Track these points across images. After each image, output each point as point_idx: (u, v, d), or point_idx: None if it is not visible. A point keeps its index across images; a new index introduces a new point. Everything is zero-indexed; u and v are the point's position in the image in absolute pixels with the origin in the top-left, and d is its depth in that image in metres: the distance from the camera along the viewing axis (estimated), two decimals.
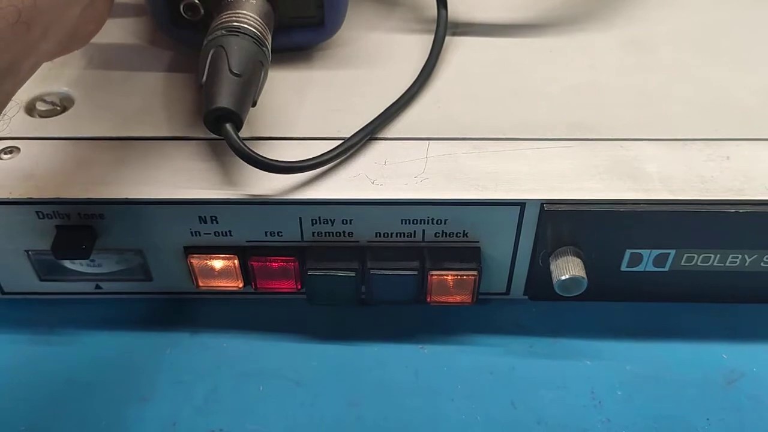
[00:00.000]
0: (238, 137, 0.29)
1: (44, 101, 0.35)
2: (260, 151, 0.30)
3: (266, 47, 0.31)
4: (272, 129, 0.33)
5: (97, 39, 0.32)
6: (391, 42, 0.39)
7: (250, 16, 0.32)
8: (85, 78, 0.36)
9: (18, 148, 0.32)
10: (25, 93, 0.35)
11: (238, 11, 0.32)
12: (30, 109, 0.34)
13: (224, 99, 0.29)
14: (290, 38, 0.36)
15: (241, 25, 0.31)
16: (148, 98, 0.35)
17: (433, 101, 0.35)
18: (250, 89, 0.30)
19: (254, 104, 0.30)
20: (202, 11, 0.34)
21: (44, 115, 0.34)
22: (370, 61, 0.37)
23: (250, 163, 0.29)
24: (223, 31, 0.31)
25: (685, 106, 0.34)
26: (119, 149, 0.32)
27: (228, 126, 0.29)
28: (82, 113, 0.34)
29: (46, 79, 0.36)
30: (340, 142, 0.31)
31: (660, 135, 0.33)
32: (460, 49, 0.38)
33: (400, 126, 0.33)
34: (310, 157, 0.30)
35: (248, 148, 0.29)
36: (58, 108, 0.35)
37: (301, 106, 0.34)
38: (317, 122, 0.34)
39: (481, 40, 0.39)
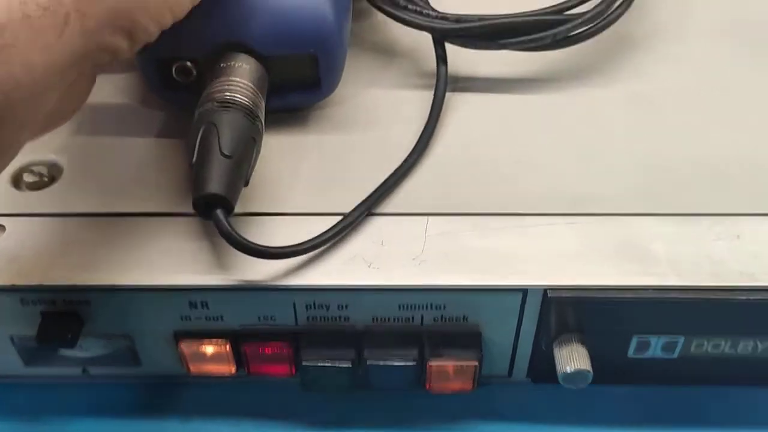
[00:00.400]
0: (229, 224, 0.28)
1: (32, 172, 0.34)
2: (253, 228, 0.29)
3: (260, 120, 0.30)
4: (265, 203, 0.32)
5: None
6: (390, 99, 0.38)
7: (243, 85, 0.31)
8: (74, 144, 0.35)
9: (3, 227, 0.31)
10: (11, 163, 0.34)
11: (230, 79, 0.31)
12: (17, 181, 0.33)
13: (214, 184, 0.27)
14: (285, 100, 0.35)
15: (234, 96, 0.30)
16: (138, 167, 0.34)
17: (432, 170, 0.34)
18: (241, 170, 0.29)
19: (246, 183, 0.29)
20: (195, 73, 0.33)
21: (31, 187, 0.33)
22: (367, 122, 0.36)
23: (241, 251, 0.28)
24: (215, 104, 0.30)
25: (693, 174, 0.33)
26: (107, 227, 0.31)
27: (218, 212, 0.28)
28: (70, 185, 0.33)
29: (34, 146, 0.34)
30: (337, 220, 0.30)
31: (667, 209, 0.32)
32: (460, 108, 0.37)
33: (398, 199, 0.32)
34: (304, 240, 0.29)
35: (239, 236, 0.28)
36: (46, 179, 0.34)
37: (296, 176, 0.33)
38: (312, 195, 0.32)
39: (482, 97, 0.38)
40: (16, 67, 0.22)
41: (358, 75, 0.39)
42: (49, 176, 0.34)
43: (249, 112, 0.30)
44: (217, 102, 0.29)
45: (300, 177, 0.33)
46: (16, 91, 0.23)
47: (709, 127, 0.36)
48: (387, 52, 0.41)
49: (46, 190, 0.33)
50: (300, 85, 0.35)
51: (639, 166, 0.34)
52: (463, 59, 0.38)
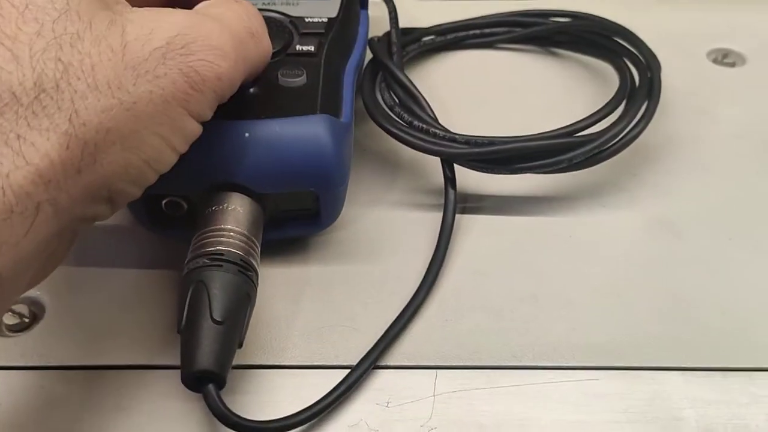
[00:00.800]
0: (221, 401, 0.25)
1: (12, 312, 0.31)
2: (247, 384, 0.28)
3: (254, 271, 0.28)
4: (262, 353, 0.30)
5: None
6: (395, 221, 0.35)
7: (236, 234, 0.28)
8: (59, 277, 0.33)
9: None
10: None
11: (221, 228, 0.28)
12: None
13: (205, 359, 0.25)
14: (282, 232, 0.33)
15: (227, 250, 0.28)
16: (126, 306, 0.32)
17: (440, 313, 0.31)
18: (234, 335, 0.26)
19: (240, 345, 0.27)
20: (186, 207, 0.31)
21: (12, 329, 0.31)
22: (371, 251, 0.34)
23: (236, 430, 0.26)
24: (205, 260, 0.27)
25: (723, 317, 0.31)
26: (91, 381, 0.29)
27: (210, 387, 0.25)
28: (51, 328, 0.31)
29: None
30: (337, 373, 0.28)
31: (696, 362, 0.29)
32: (469, 234, 0.35)
33: (405, 348, 0.30)
34: (305, 408, 0.27)
35: (233, 414, 0.26)
36: (27, 320, 0.31)
37: (294, 319, 0.31)
38: (312, 343, 0.30)
39: (493, 219, 0.36)
40: None
41: (361, 192, 0.37)
42: (30, 316, 0.32)
43: (243, 266, 0.27)
44: (208, 257, 0.27)
45: (298, 320, 0.31)
46: None
47: (738, 257, 0.33)
48: (391, 162, 0.38)
49: (27, 333, 0.31)
50: (299, 217, 0.32)
51: (664, 306, 0.31)
52: (472, 175, 0.36)
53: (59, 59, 0.21)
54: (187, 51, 0.24)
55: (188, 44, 0.24)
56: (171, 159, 0.25)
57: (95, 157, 0.22)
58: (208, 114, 0.26)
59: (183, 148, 0.26)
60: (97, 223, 0.25)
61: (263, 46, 0.28)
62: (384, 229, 0.35)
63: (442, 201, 0.35)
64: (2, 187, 0.20)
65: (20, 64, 0.21)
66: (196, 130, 0.26)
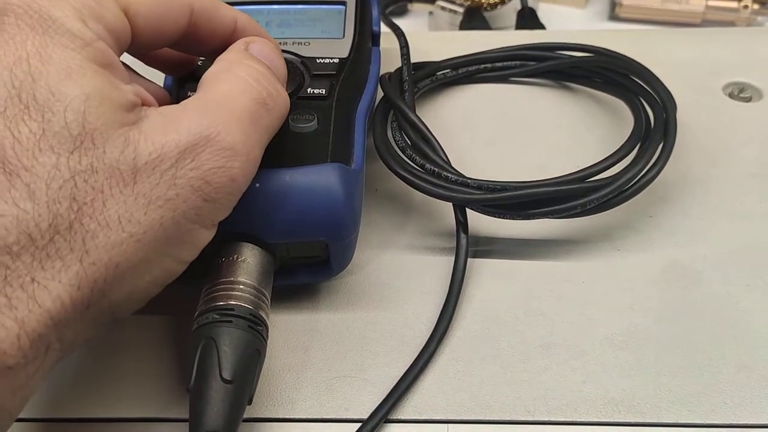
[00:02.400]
0: None
1: None
2: None
3: (264, 325, 0.28)
4: (271, 406, 0.30)
5: None
6: (406, 266, 0.35)
7: (245, 287, 0.28)
8: None
9: None
10: None
11: (231, 281, 0.28)
12: None
13: (213, 420, 0.25)
14: (292, 278, 0.32)
15: (237, 304, 0.27)
16: (132, 355, 0.31)
17: (452, 364, 0.31)
18: (244, 393, 0.26)
19: (250, 402, 0.27)
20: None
21: None
22: (382, 297, 0.34)
23: None
24: (215, 315, 0.27)
25: (741, 371, 0.30)
26: None
27: None
28: (54, 379, 0.30)
29: None
30: (348, 427, 0.28)
31: (715, 418, 0.29)
32: (481, 279, 0.34)
33: (416, 401, 0.30)
34: None
35: None
36: None
37: (304, 369, 0.31)
38: (322, 395, 0.30)
39: (506, 264, 0.35)
40: None
41: (371, 234, 0.36)
42: None
43: (253, 321, 0.27)
44: (218, 312, 0.27)
45: (308, 370, 0.31)
46: None
47: (757, 306, 0.33)
48: (403, 204, 0.38)
49: None
50: (308, 264, 0.32)
51: (680, 356, 0.31)
52: (484, 218, 0.35)
53: (74, 198, 0.21)
54: (198, 163, 0.23)
55: (198, 155, 0.23)
56: (179, 270, 0.26)
57: (104, 292, 0.22)
58: (225, 215, 0.26)
59: (193, 257, 0.26)
60: None
61: (279, 105, 0.28)
62: (395, 273, 0.35)
63: (454, 244, 0.34)
64: (18, 335, 0.20)
65: (36, 203, 0.21)
66: (209, 235, 0.25)
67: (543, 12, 0.57)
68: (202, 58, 0.33)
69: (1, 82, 0.21)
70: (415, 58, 0.42)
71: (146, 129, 0.23)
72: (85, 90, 0.22)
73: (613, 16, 0.58)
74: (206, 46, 0.30)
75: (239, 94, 0.26)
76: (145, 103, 0.24)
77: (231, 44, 0.29)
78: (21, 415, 0.29)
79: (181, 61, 0.32)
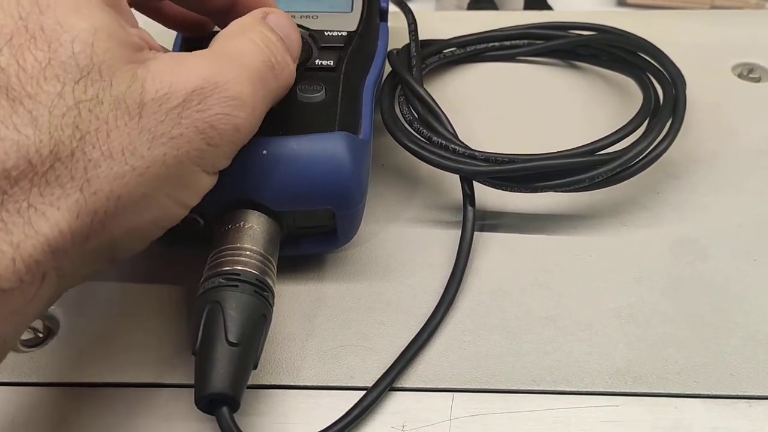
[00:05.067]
0: (234, 424, 0.25)
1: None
2: (261, 405, 0.28)
3: (270, 291, 0.28)
4: (276, 373, 0.30)
5: None
6: (412, 238, 0.35)
7: (252, 253, 0.28)
8: (73, 292, 0.33)
9: None
10: None
11: (238, 248, 0.28)
12: None
13: (219, 382, 0.25)
14: (299, 248, 0.32)
15: (243, 269, 0.27)
16: (140, 322, 0.31)
17: (457, 334, 0.31)
18: (249, 357, 0.26)
19: (255, 367, 0.27)
20: (202, 223, 0.31)
21: (26, 344, 0.31)
22: (388, 268, 0.34)
23: None
24: (221, 280, 0.27)
25: (748, 343, 0.30)
26: (102, 399, 0.29)
27: (223, 410, 0.25)
28: (65, 344, 0.31)
29: None
30: (352, 395, 0.28)
31: (720, 389, 0.29)
32: (488, 253, 0.34)
33: (421, 370, 0.30)
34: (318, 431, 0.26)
35: None
36: (41, 335, 0.31)
37: (309, 338, 0.31)
38: (327, 363, 0.30)
39: (513, 237, 0.35)
40: None
41: (378, 208, 0.36)
42: (44, 331, 0.31)
43: (259, 287, 0.27)
44: (224, 277, 0.27)
45: (313, 339, 0.31)
46: None
47: (763, 280, 0.33)
48: (410, 177, 0.38)
49: (40, 349, 0.31)
50: (315, 234, 0.32)
51: (687, 328, 0.31)
52: (491, 192, 0.35)
53: (77, 126, 0.21)
54: (204, 106, 0.23)
55: (205, 99, 0.23)
56: (180, 215, 0.25)
57: (104, 224, 0.22)
58: (225, 163, 0.26)
59: (194, 202, 0.25)
60: None
61: (285, 75, 0.28)
62: (401, 246, 0.35)
63: (461, 218, 0.34)
64: (13, 258, 0.20)
65: (38, 128, 0.20)
66: (210, 182, 0.25)
67: None
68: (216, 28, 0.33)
69: (7, 13, 0.21)
70: (423, 38, 0.42)
71: (154, 68, 0.23)
72: (93, 24, 0.22)
73: (621, 2, 0.57)
74: (211, 4, 0.30)
75: (250, 53, 0.26)
76: (151, 49, 0.25)
77: (236, 7, 0.29)
78: (30, 380, 0.29)
79: (195, 21, 0.32)
